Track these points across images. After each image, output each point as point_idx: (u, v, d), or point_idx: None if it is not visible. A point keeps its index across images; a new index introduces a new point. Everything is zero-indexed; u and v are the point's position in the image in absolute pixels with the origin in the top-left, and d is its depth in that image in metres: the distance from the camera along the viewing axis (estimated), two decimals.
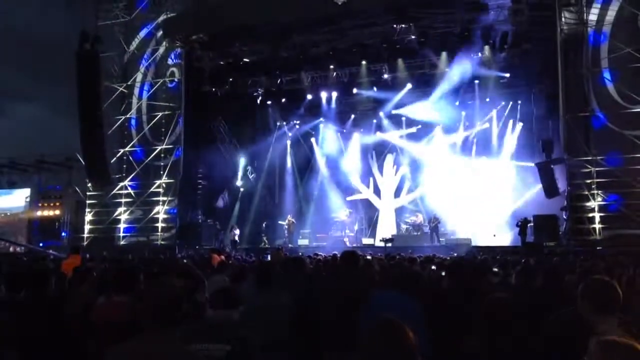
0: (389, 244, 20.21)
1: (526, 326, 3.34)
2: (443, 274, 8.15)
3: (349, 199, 26.08)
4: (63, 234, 26.85)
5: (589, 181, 18.03)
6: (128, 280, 4.56)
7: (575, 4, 18.76)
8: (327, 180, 26.17)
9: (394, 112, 25.26)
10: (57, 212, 27.26)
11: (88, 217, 24.72)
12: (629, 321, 3.65)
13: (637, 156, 17.58)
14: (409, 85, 23.66)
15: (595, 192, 17.95)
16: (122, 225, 24.07)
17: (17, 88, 48.25)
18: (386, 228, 24.77)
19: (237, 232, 23.20)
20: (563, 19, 18.56)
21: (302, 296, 5.21)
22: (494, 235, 20.83)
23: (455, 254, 16.54)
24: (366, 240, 24.08)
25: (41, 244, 26.14)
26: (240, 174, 26.61)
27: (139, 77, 24.84)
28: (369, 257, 8.51)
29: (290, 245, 22.60)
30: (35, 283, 4.82)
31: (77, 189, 26.50)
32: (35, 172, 28.79)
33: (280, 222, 25.52)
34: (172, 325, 2.70)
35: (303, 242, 23.91)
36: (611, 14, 18.38)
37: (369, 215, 26.17)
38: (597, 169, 18.01)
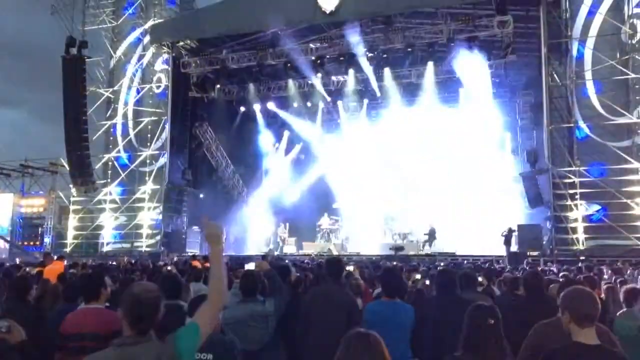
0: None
1: (510, 334, 3.36)
2: (427, 282, 8.20)
3: (335, 206, 26.06)
4: (46, 239, 26.57)
5: (572, 191, 18.19)
6: (95, 287, 4.46)
7: (560, 17, 19.00)
8: (315, 186, 26.13)
9: (380, 121, 25.39)
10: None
11: (72, 222, 24.50)
12: (608, 331, 3.69)
13: (619, 167, 17.81)
14: (396, 96, 23.80)
15: (579, 202, 18.12)
16: (106, 232, 23.88)
17: (0, 93, 47.76)
18: (373, 236, 24.76)
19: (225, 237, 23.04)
20: (548, 31, 18.77)
21: (287, 304, 5.21)
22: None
23: (442, 264, 16.56)
24: (352, 249, 24.05)
25: (26, 249, 25.88)
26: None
27: (125, 82, 24.74)
28: (350, 268, 8.50)
29: (276, 253, 22.53)
30: (17, 290, 4.76)
31: (60, 194, 26.28)
32: (19, 177, 28.51)
33: (266, 228, 25.45)
34: (146, 332, 2.57)
35: (289, 249, 23.84)
36: (595, 27, 18.63)
37: (356, 222, 26.14)
38: (580, 179, 18.19)
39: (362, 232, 25.55)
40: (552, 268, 12.69)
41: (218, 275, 2.79)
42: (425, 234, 22.30)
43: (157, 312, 2.63)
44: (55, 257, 12.19)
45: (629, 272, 10.56)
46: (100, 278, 4.69)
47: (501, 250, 18.97)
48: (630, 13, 18.19)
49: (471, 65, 20.88)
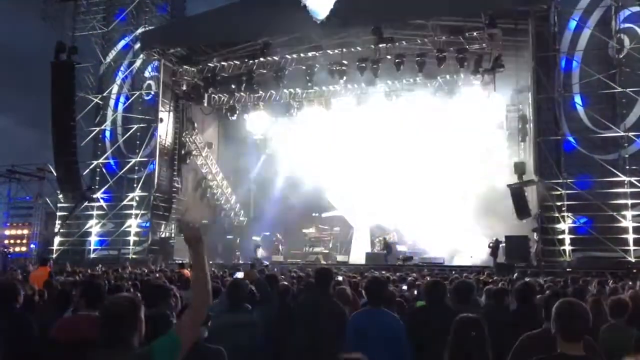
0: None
1: (496, 345, 3.38)
2: (416, 292, 8.22)
3: (324, 215, 26.06)
4: (32, 245, 26.26)
5: (559, 203, 18.32)
6: (96, 295, 4.44)
7: (548, 31, 19.20)
8: (303, 196, 26.12)
9: (370, 130, 25.48)
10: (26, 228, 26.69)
11: (58, 228, 24.27)
12: (594, 343, 3.73)
13: (606, 180, 17.96)
14: (387, 106, 23.91)
15: (566, 214, 18.24)
16: (93, 238, 23.68)
17: None
18: (361, 246, 24.75)
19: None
20: (536, 45, 18.95)
21: (275, 313, 5.20)
22: (471, 257, 20.86)
23: (429, 274, 16.57)
24: (340, 258, 24.02)
25: (9, 256, 25.55)
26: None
27: (114, 88, 24.65)
28: (340, 278, 8.51)
29: (265, 263, 22.40)
30: (4, 296, 4.70)
31: (47, 200, 26.03)
32: (5, 182, 28.21)
33: (254, 237, 25.37)
34: (122, 344, 2.53)
35: (277, 258, 23.77)
36: (583, 41, 18.86)
37: (344, 232, 26.16)
38: (567, 191, 18.32)
39: (350, 241, 25.58)
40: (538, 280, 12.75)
41: (202, 279, 2.68)
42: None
43: (131, 324, 2.59)
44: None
45: (611, 283, 10.60)
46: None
47: (488, 261, 19.09)
48: (617, 28, 18.44)
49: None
